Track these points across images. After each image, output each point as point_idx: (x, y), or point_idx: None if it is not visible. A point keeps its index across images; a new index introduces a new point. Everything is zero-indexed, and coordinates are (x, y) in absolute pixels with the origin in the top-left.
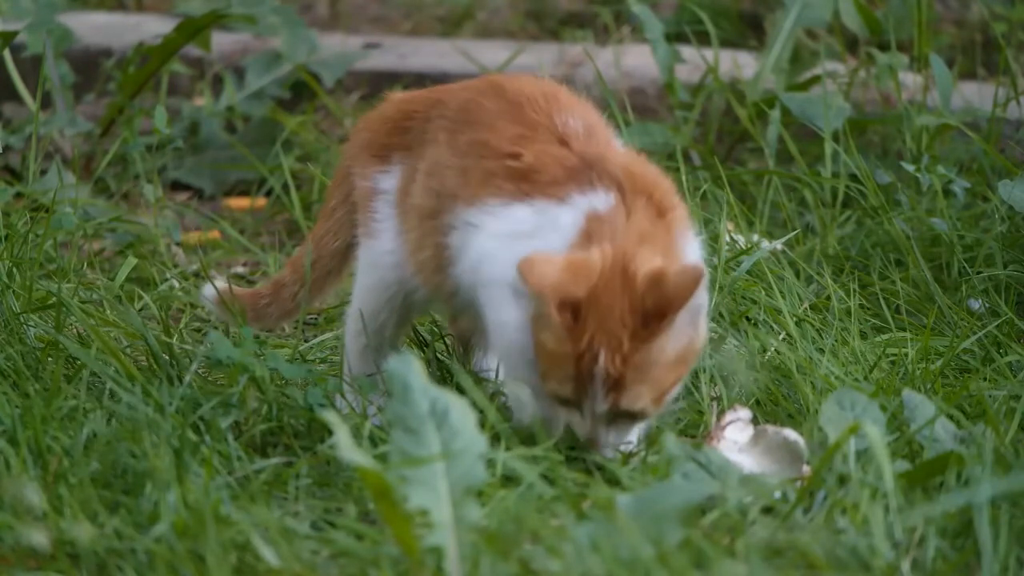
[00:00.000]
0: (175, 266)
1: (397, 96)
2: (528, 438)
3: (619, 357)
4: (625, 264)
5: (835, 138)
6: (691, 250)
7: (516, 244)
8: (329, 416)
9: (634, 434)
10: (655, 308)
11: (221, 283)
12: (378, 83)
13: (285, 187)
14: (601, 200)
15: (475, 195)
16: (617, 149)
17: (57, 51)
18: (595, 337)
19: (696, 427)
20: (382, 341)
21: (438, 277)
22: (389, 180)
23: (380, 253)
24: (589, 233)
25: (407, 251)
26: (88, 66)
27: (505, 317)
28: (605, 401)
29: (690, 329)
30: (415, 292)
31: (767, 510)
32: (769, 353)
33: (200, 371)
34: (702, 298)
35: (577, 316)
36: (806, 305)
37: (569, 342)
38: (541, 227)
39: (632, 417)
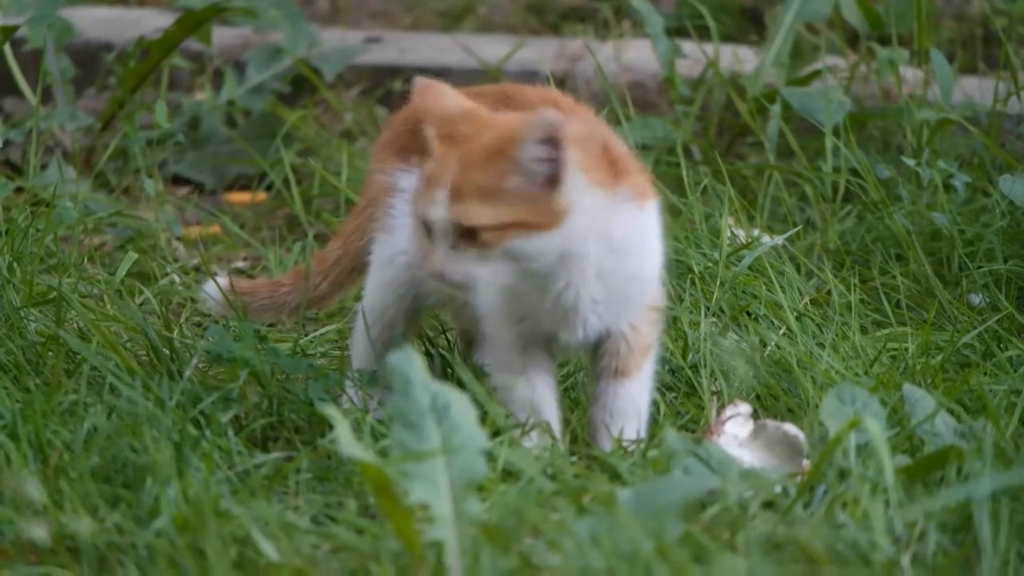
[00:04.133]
0: (176, 261)
1: None
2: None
3: (462, 173)
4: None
5: (836, 133)
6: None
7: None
8: (330, 411)
9: (633, 429)
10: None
11: (222, 279)
12: (379, 78)
13: (286, 182)
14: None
15: None
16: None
17: (58, 45)
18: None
19: (696, 422)
20: (392, 337)
21: None
22: (408, 179)
23: (394, 252)
24: None
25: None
26: (89, 60)
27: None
28: (445, 208)
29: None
30: (427, 297)
31: (767, 505)
32: (769, 348)
33: (200, 365)
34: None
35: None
36: (806, 300)
37: (433, 157)
38: None
39: (469, 237)
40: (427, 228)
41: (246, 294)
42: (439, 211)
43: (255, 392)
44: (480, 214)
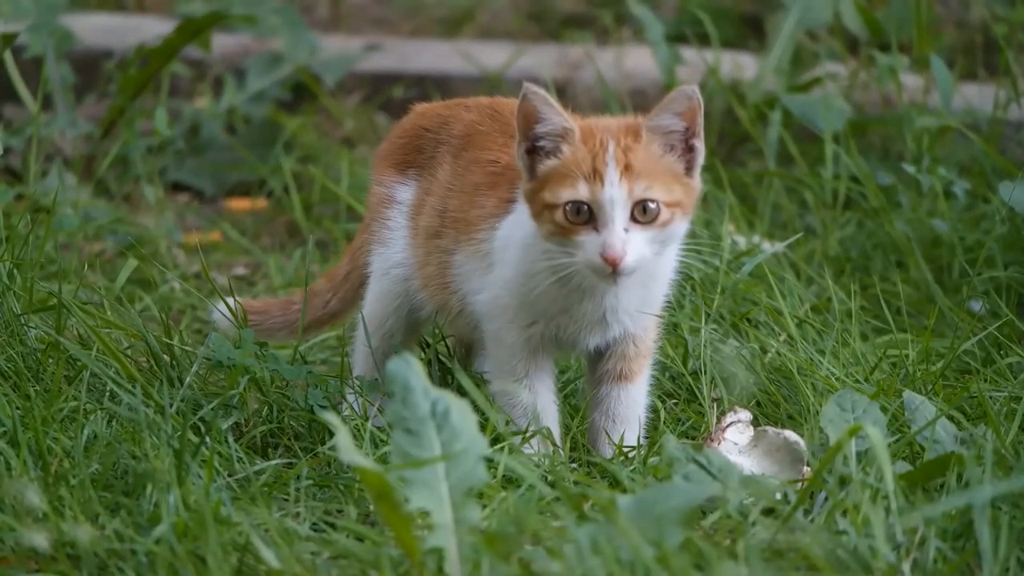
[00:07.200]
0: (176, 267)
1: (419, 108)
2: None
3: (624, 146)
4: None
5: (836, 139)
6: None
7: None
8: (329, 418)
9: (634, 434)
10: (641, 118)
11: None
12: (379, 84)
13: (286, 188)
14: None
15: (469, 228)
16: None
17: (58, 53)
18: (601, 137)
19: (696, 428)
20: (391, 347)
21: (443, 295)
22: (405, 192)
23: (391, 263)
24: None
25: (414, 265)
26: (89, 67)
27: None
28: (621, 186)
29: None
30: (421, 308)
31: (768, 511)
32: (770, 354)
33: (201, 372)
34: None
35: (582, 131)
36: (807, 306)
37: (582, 144)
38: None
39: (647, 217)
40: (592, 212)
41: (258, 314)
42: (613, 190)
43: (255, 399)
44: (655, 188)
